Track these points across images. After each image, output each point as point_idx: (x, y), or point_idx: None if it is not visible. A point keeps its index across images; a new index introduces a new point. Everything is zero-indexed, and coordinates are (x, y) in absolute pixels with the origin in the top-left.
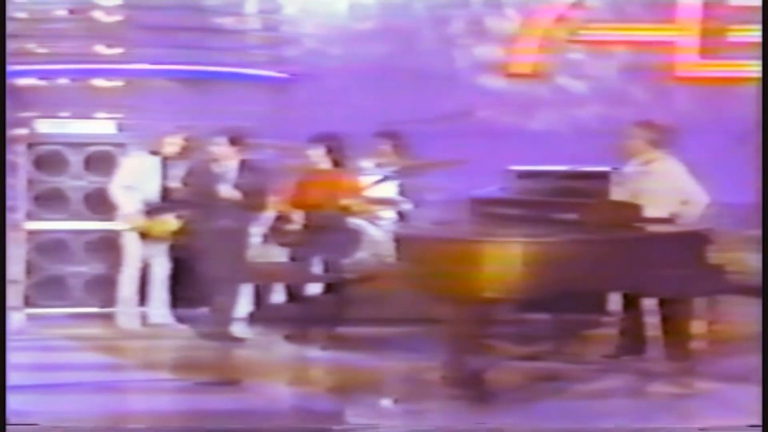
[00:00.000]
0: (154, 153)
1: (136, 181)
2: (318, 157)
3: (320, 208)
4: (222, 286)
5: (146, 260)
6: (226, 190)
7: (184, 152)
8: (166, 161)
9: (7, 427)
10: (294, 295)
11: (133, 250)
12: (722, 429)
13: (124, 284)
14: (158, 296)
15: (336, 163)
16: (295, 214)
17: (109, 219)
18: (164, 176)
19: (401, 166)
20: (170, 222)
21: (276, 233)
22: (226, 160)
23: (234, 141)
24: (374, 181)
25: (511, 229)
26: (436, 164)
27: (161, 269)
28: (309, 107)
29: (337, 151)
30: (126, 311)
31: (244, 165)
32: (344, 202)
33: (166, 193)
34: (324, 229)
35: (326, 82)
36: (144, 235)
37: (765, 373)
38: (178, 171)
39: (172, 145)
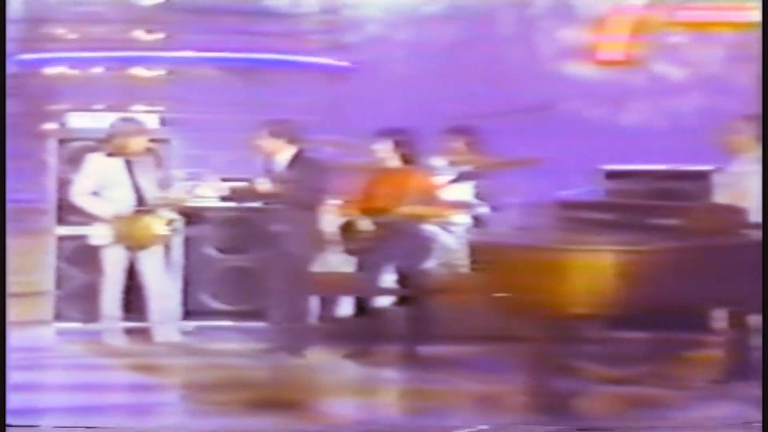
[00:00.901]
0: (113, 155)
1: (101, 185)
2: (385, 153)
3: (388, 212)
4: (282, 298)
5: (140, 269)
6: (263, 183)
7: (149, 151)
8: (130, 161)
9: (7, 428)
10: (361, 308)
11: (112, 259)
12: (722, 426)
13: (105, 297)
14: (159, 311)
15: (405, 161)
16: (362, 218)
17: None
18: (133, 177)
19: (476, 165)
20: (154, 224)
21: (341, 239)
22: (273, 154)
23: (276, 134)
24: (448, 182)
25: (601, 236)
26: (515, 163)
27: (156, 279)
28: (372, 99)
29: (407, 147)
30: (111, 327)
31: (294, 160)
32: (415, 204)
33: (140, 194)
34: (394, 234)
35: (391, 71)
36: (126, 241)
37: (765, 372)
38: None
39: (138, 143)
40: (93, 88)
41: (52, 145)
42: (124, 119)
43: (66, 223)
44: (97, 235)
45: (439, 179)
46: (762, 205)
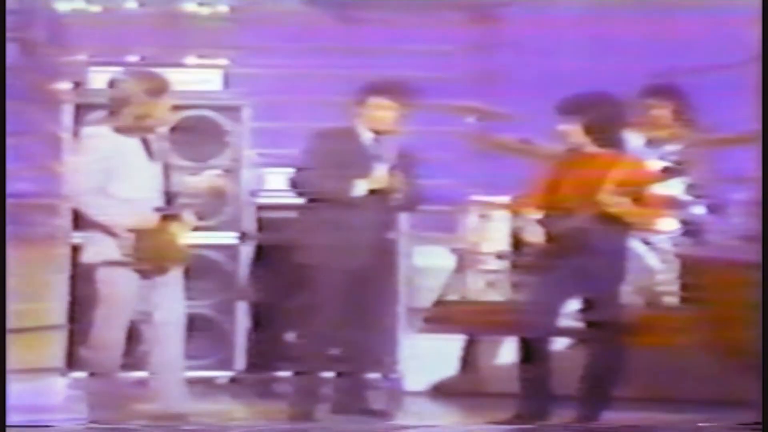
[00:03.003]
0: (125, 131)
1: (108, 177)
2: (576, 134)
3: (575, 213)
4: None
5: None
6: (383, 176)
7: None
8: (147, 139)
9: (7, 428)
10: (524, 354)
11: (120, 283)
12: (722, 428)
13: (104, 339)
14: (169, 362)
15: (604, 142)
16: (531, 223)
17: (208, 227)
18: (156, 162)
19: (688, 143)
20: (182, 234)
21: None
22: (387, 128)
23: (394, 94)
24: (665, 170)
25: None
26: (747, 139)
27: (174, 316)
28: (535, 47)
29: (606, 116)
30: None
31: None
32: (618, 203)
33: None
34: (580, 247)
35: (563, 7)
36: (151, 252)
37: (765, 372)
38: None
39: (162, 109)
40: (124, 31)
41: (66, 113)
42: (134, 72)
43: (86, 228)
44: (98, 248)
45: (653, 166)
46: (762, 204)
